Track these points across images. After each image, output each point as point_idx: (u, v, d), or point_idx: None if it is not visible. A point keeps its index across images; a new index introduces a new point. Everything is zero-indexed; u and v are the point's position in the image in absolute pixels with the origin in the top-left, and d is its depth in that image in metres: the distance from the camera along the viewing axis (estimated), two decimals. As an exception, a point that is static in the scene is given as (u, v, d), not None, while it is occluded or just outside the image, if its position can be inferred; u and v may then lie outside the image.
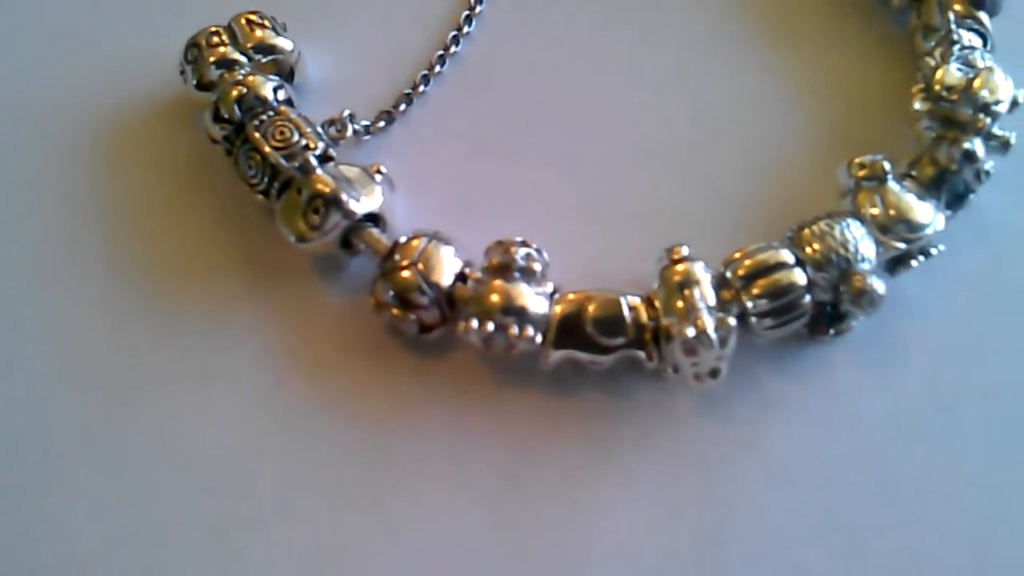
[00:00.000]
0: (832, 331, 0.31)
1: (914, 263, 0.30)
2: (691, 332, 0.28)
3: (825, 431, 0.30)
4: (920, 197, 0.30)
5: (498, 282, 0.29)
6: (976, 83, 0.31)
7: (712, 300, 0.29)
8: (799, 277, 0.29)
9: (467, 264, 0.30)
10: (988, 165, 0.31)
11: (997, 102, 0.30)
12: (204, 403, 0.30)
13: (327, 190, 0.30)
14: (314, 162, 0.30)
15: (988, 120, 0.30)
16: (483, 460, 0.30)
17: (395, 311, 0.30)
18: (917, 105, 0.31)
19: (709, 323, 0.28)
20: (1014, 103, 0.31)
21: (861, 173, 0.30)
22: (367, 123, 0.33)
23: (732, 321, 0.28)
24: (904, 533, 0.29)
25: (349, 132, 0.33)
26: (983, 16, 0.33)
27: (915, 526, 0.29)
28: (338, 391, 0.30)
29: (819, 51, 0.35)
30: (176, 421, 0.30)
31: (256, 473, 0.29)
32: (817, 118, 0.34)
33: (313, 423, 0.30)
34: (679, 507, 0.29)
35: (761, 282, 0.29)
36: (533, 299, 0.29)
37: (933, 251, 0.30)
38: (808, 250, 0.29)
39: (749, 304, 0.29)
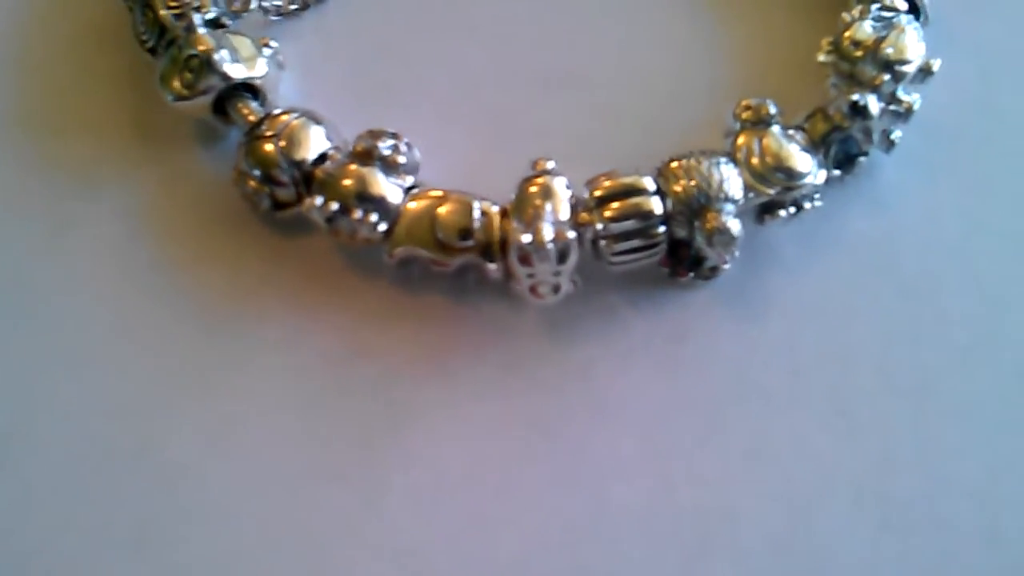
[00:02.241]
0: (692, 274, 0.29)
1: (783, 213, 0.29)
2: (527, 239, 0.27)
3: (663, 373, 0.29)
4: (804, 149, 0.29)
5: (354, 166, 0.29)
6: (884, 42, 0.29)
7: (565, 215, 0.28)
8: (656, 205, 0.28)
9: (336, 148, 0.30)
10: (895, 135, 0.30)
11: (902, 62, 0.29)
12: (56, 247, 0.30)
13: (204, 49, 0.30)
14: (198, 22, 0.30)
15: (887, 78, 0.29)
16: (313, 346, 0.29)
17: (252, 183, 0.29)
18: (821, 58, 0.30)
19: (547, 233, 0.27)
20: (925, 71, 0.30)
21: (745, 115, 0.29)
22: (279, 3, 0.33)
23: (571, 234, 0.27)
24: (718, 488, 0.28)
25: (253, 5, 0.32)
26: (919, -16, 0.31)
27: (731, 483, 0.28)
28: (188, 258, 0.30)
29: (756, 5, 0.34)
30: (24, 260, 0.30)
31: (87, 315, 0.29)
32: (742, 71, 0.33)
33: (155, 284, 0.30)
34: (496, 423, 0.28)
35: (615, 205, 0.28)
36: (386, 188, 0.29)
37: (807, 205, 0.29)
38: (671, 181, 0.28)
39: (599, 226, 0.28)
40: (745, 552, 0.27)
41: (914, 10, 0.31)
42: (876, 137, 0.29)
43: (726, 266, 0.30)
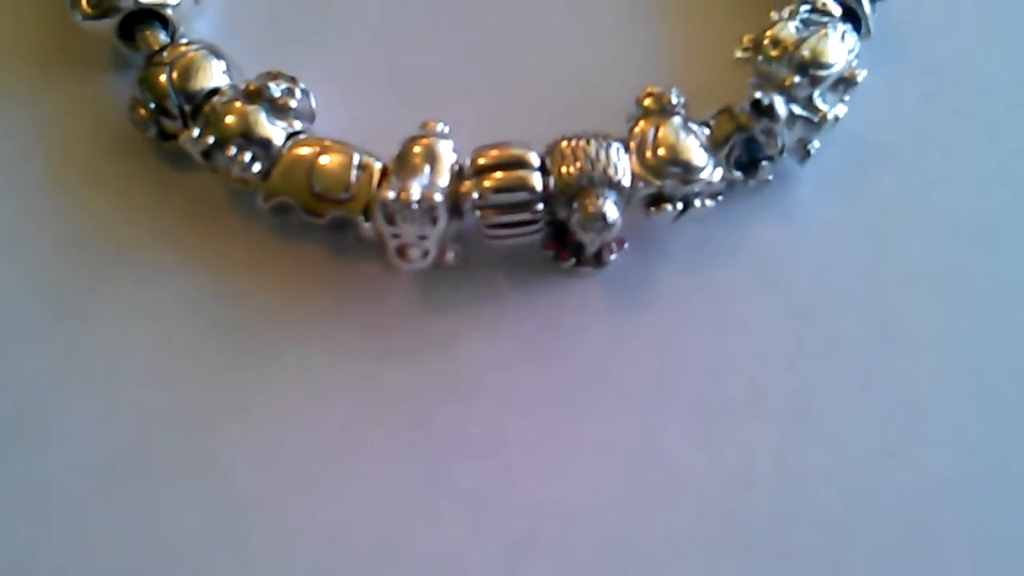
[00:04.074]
0: (574, 260, 0.28)
1: (669, 207, 0.27)
2: (391, 195, 0.26)
3: (527, 357, 0.28)
4: (701, 145, 0.28)
5: (239, 104, 0.28)
6: (803, 44, 0.28)
7: (444, 180, 0.27)
8: (536, 181, 0.27)
9: (232, 87, 0.29)
10: (813, 145, 0.29)
11: (818, 66, 0.28)
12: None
13: (111, -31, 0.29)
14: (112, -56, 0.30)
15: (798, 80, 0.28)
16: (175, 285, 0.29)
17: (142, 111, 0.29)
18: (738, 54, 0.29)
19: (414, 192, 0.26)
20: (848, 80, 0.28)
21: (647, 102, 0.28)
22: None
23: (438, 197, 0.26)
24: (559, 483, 0.27)
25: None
26: (863, -6, 0.30)
27: (574, 479, 0.27)
28: (76, 181, 0.30)
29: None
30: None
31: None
32: (672, 63, 0.32)
33: (39, 205, 0.29)
34: (345, 383, 0.28)
35: (495, 175, 0.27)
36: (268, 130, 0.28)
37: (696, 203, 0.28)
38: (558, 159, 0.27)
39: (475, 194, 0.27)
40: (574, 551, 0.26)
41: (853, 20, 0.30)
42: (783, 142, 0.28)
43: (612, 257, 0.28)
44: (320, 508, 0.26)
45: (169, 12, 0.30)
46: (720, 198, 0.28)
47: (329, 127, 0.29)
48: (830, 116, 0.28)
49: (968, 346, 0.28)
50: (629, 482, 0.27)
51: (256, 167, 0.28)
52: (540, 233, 0.28)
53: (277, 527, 0.26)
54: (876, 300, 0.28)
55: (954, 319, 0.28)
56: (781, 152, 0.28)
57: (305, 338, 0.28)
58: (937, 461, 0.27)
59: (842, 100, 0.29)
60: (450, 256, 0.28)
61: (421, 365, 0.28)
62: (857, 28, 0.30)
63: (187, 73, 0.29)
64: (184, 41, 0.29)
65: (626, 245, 0.29)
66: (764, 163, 0.28)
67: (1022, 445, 0.27)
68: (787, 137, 0.28)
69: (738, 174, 0.28)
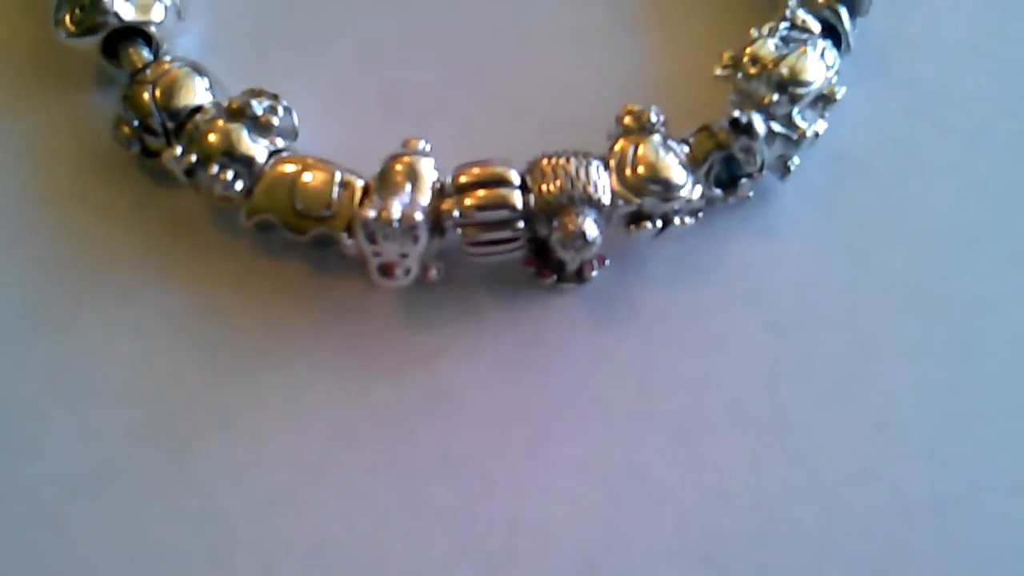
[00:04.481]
0: (555, 276, 0.28)
1: (649, 225, 0.28)
2: (371, 214, 0.26)
3: (508, 374, 0.28)
4: (681, 163, 0.28)
5: (222, 122, 0.28)
6: (783, 61, 0.28)
7: (425, 198, 0.27)
8: (517, 199, 0.27)
9: (216, 104, 0.29)
10: (793, 162, 0.29)
11: (797, 84, 0.28)
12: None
13: (93, -14, 0.29)
14: (93, -40, 0.30)
15: (776, 98, 0.28)
16: (157, 302, 0.29)
17: (126, 128, 0.29)
18: (717, 71, 0.29)
19: (395, 211, 0.26)
20: (828, 98, 0.29)
21: (627, 120, 0.28)
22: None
23: (418, 216, 0.26)
24: (538, 499, 0.27)
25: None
26: (843, 11, 0.30)
27: (553, 495, 0.27)
28: (58, 195, 0.30)
29: (683, 14, 0.33)
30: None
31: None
32: (655, 78, 0.32)
33: (19, 218, 0.30)
34: (326, 400, 0.28)
35: (476, 193, 0.27)
36: (250, 148, 0.28)
37: (676, 221, 0.28)
38: (538, 178, 0.27)
39: (456, 212, 0.27)
40: (551, 568, 0.26)
41: (834, 36, 0.30)
42: (763, 159, 0.28)
43: (593, 274, 0.29)
44: (300, 525, 0.27)
45: (153, 29, 0.30)
46: (700, 215, 0.28)
47: (312, 144, 0.29)
48: (809, 133, 0.28)
49: (945, 363, 0.28)
50: (607, 499, 0.27)
51: (239, 185, 0.28)
52: (521, 250, 0.28)
53: (257, 544, 0.26)
54: (855, 316, 0.29)
55: (932, 336, 0.28)
56: (761, 169, 0.28)
57: (287, 356, 0.28)
58: (914, 478, 0.27)
59: (822, 116, 0.29)
60: (433, 273, 0.28)
61: (403, 382, 0.28)
62: (838, 44, 0.30)
63: (170, 91, 0.29)
64: (168, 59, 0.30)
65: (607, 262, 0.29)
66: (743, 180, 0.28)
67: (998, 462, 0.27)
68: (767, 154, 0.28)
69: (718, 191, 0.28)
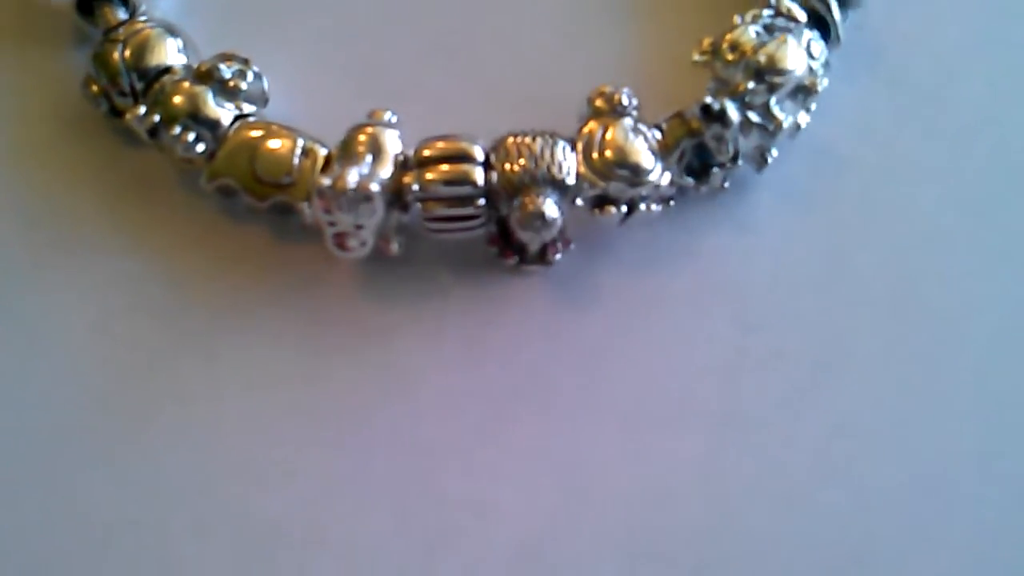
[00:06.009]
0: (518, 258, 0.28)
1: (613, 210, 0.27)
2: (326, 182, 0.26)
3: (464, 354, 0.27)
4: (650, 148, 0.27)
5: (187, 84, 0.28)
6: (761, 49, 0.27)
7: (386, 170, 0.27)
8: (478, 176, 0.27)
9: (186, 66, 0.29)
10: (771, 153, 0.28)
11: (776, 72, 0.27)
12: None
13: (69, -58, 0.29)
14: (73, -83, 0.30)
15: (752, 86, 0.27)
16: (118, 264, 0.28)
17: (95, 87, 0.29)
18: (695, 57, 0.28)
19: (350, 180, 0.26)
20: (809, 89, 0.28)
21: (598, 102, 0.27)
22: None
23: (374, 187, 0.26)
24: (481, 481, 0.26)
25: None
26: (833, 2, 0.29)
27: (497, 478, 0.26)
28: (26, 154, 0.30)
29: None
30: None
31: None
32: (636, 64, 0.31)
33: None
34: (279, 371, 0.27)
35: (439, 168, 0.27)
36: (215, 111, 0.28)
37: (642, 207, 0.27)
38: (502, 155, 0.27)
39: (415, 186, 0.27)
40: (488, 549, 0.26)
41: (822, 27, 0.29)
42: (736, 149, 0.27)
43: (557, 256, 0.28)
44: (246, 497, 0.26)
45: (128, -9, 0.30)
46: (672, 203, 0.28)
47: (284, 113, 0.29)
48: (788, 124, 0.27)
49: (913, 369, 0.27)
50: (554, 485, 0.26)
51: (200, 147, 0.27)
52: (482, 228, 0.27)
53: (204, 514, 0.26)
54: (825, 316, 0.28)
55: (902, 341, 0.28)
56: (734, 159, 0.28)
57: (245, 325, 0.28)
58: (871, 482, 0.26)
59: (804, 109, 0.28)
60: (394, 247, 0.28)
61: (360, 357, 0.28)
62: (826, 36, 0.29)
63: (140, 51, 0.29)
64: (143, 19, 0.29)
65: (572, 245, 0.28)
66: (715, 169, 0.28)
67: (965, 464, 0.26)
68: (742, 144, 0.27)
69: (689, 180, 0.28)
